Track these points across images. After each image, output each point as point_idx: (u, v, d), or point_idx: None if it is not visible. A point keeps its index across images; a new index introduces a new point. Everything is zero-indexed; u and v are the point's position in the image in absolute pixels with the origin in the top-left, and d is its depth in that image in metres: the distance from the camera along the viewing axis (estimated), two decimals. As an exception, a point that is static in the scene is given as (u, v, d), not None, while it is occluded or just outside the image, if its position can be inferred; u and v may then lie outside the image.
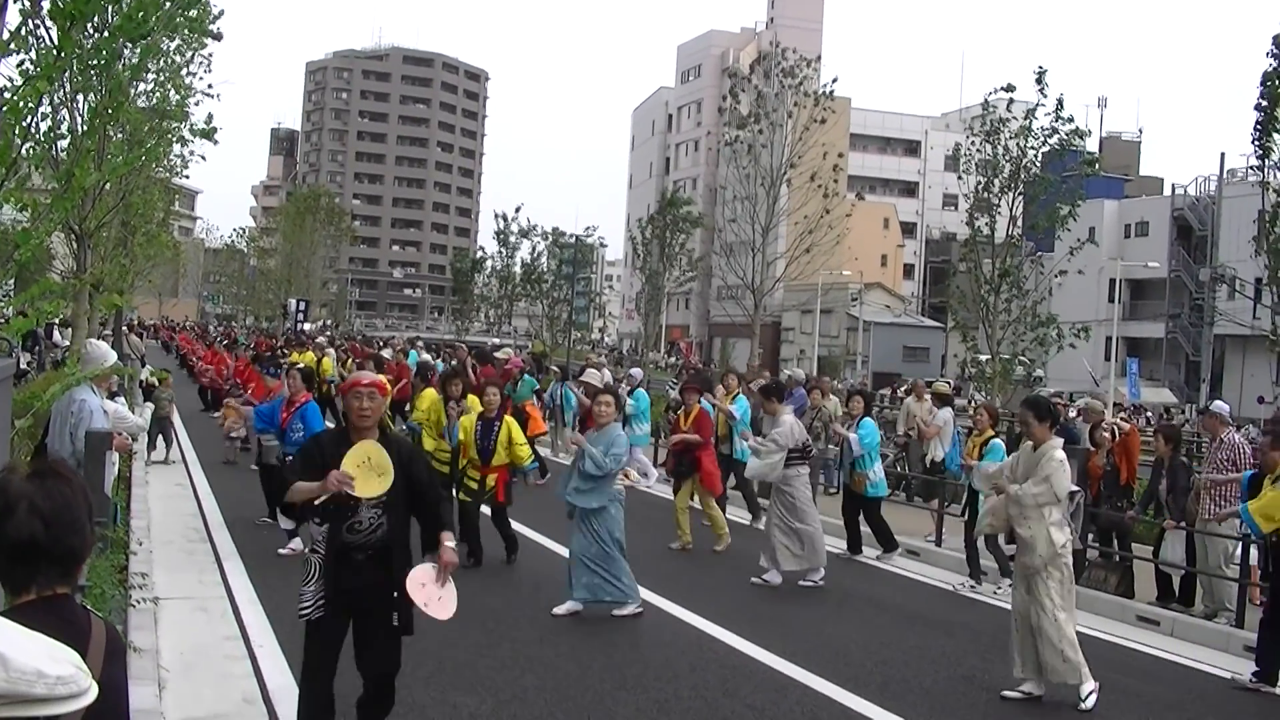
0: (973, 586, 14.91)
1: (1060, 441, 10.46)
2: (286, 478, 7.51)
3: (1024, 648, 10.07)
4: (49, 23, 7.77)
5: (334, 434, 7.67)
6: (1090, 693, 9.86)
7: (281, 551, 13.93)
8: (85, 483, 3.29)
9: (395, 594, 6.99)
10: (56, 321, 32.33)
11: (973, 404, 21.57)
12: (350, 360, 30.36)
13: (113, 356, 11.75)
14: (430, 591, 6.98)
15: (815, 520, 14.67)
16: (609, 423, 12.07)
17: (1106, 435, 16.84)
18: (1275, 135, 26.14)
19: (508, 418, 14.41)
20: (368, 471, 6.86)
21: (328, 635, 7.06)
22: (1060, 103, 30.23)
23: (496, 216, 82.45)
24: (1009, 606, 10.71)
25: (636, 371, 26.65)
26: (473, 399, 15.25)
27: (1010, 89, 31.57)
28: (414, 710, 8.50)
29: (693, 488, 16.98)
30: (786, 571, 14.44)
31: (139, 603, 10.37)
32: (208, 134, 15.47)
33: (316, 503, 6.92)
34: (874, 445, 16.92)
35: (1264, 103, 26.05)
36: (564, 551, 12.76)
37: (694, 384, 18.74)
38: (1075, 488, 10.67)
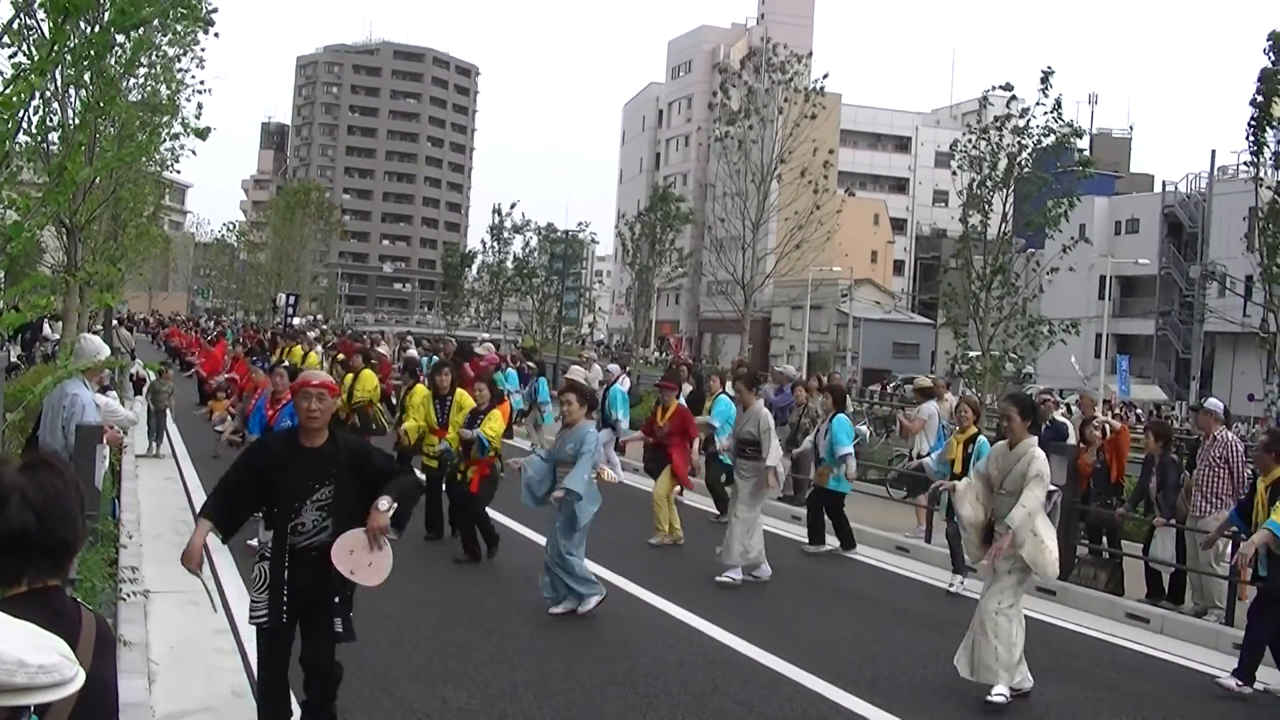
0: (962, 583, 14.83)
1: (1034, 440, 10.27)
2: (208, 502, 7.51)
3: (969, 642, 9.98)
4: (42, 16, 7.77)
5: (283, 435, 7.62)
6: (1000, 694, 9.64)
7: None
8: (77, 476, 3.29)
9: (336, 599, 6.95)
10: (47, 315, 32.32)
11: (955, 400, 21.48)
12: (336, 358, 29.30)
13: (106, 351, 11.73)
14: (359, 558, 6.82)
15: (740, 519, 14.31)
16: (577, 421, 11.99)
17: (1097, 433, 16.84)
18: (1269, 131, 26.12)
19: (460, 393, 14.67)
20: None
21: (280, 639, 7.03)
22: (1058, 103, 30.24)
23: (494, 211, 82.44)
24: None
25: (614, 366, 26.50)
26: (462, 394, 15.28)
27: (1009, 88, 31.59)
28: (402, 705, 8.51)
29: (670, 482, 16.87)
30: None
31: (129, 596, 10.38)
32: (201, 133, 15.44)
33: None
34: (847, 444, 16.86)
35: (1259, 99, 26.02)
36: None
37: (670, 381, 18.72)
38: (1053, 487, 10.57)
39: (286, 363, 19.49)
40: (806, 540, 17.16)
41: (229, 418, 22.92)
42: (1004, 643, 9.66)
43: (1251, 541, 10.87)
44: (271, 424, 14.56)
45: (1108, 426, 17.49)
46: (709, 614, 12.16)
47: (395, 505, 6.88)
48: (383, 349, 32.31)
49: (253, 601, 7.08)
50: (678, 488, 17.03)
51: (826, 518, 17.03)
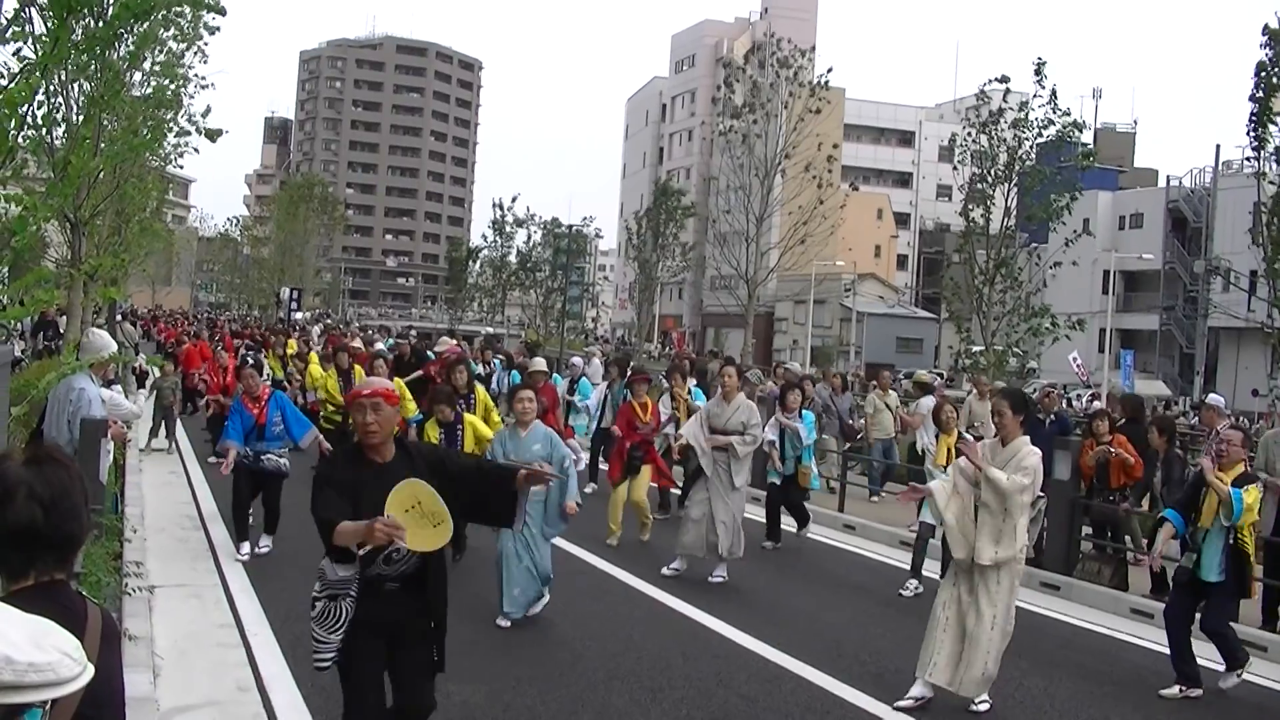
0: (917, 587, 14.39)
1: (1026, 439, 9.73)
2: (322, 518, 5.96)
3: (939, 648, 9.53)
4: (46, 9, 7.76)
5: (347, 453, 6.55)
6: (984, 701, 9.49)
7: (239, 558, 13.58)
8: (80, 469, 3.29)
9: (434, 625, 6.37)
10: (55, 312, 32.28)
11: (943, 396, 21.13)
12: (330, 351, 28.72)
13: (113, 346, 11.73)
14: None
15: (696, 509, 14.15)
16: (531, 420, 11.65)
17: (1104, 426, 16.60)
18: (1270, 126, 26.06)
19: (469, 418, 13.98)
20: (419, 519, 5.72)
21: (363, 673, 6.24)
22: (1054, 94, 30.20)
23: (494, 205, 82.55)
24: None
25: (578, 360, 26.17)
26: (481, 391, 15.15)
27: (1005, 80, 31.56)
28: (408, 699, 8.50)
29: (639, 479, 16.35)
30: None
31: (134, 590, 10.37)
32: (211, 135, 15.37)
33: (360, 551, 5.88)
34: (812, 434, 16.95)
35: (1259, 93, 25.97)
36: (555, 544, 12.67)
37: (642, 375, 18.41)
38: (1040, 494, 10.35)
39: (251, 360, 19.19)
40: (765, 538, 16.90)
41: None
42: (994, 658, 9.39)
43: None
44: (261, 424, 14.15)
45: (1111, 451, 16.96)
46: (713, 609, 12.16)
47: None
48: (356, 343, 32.42)
49: (321, 642, 6.17)
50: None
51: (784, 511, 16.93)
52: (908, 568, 14.85)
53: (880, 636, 11.77)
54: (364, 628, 6.15)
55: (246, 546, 13.47)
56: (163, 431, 22.29)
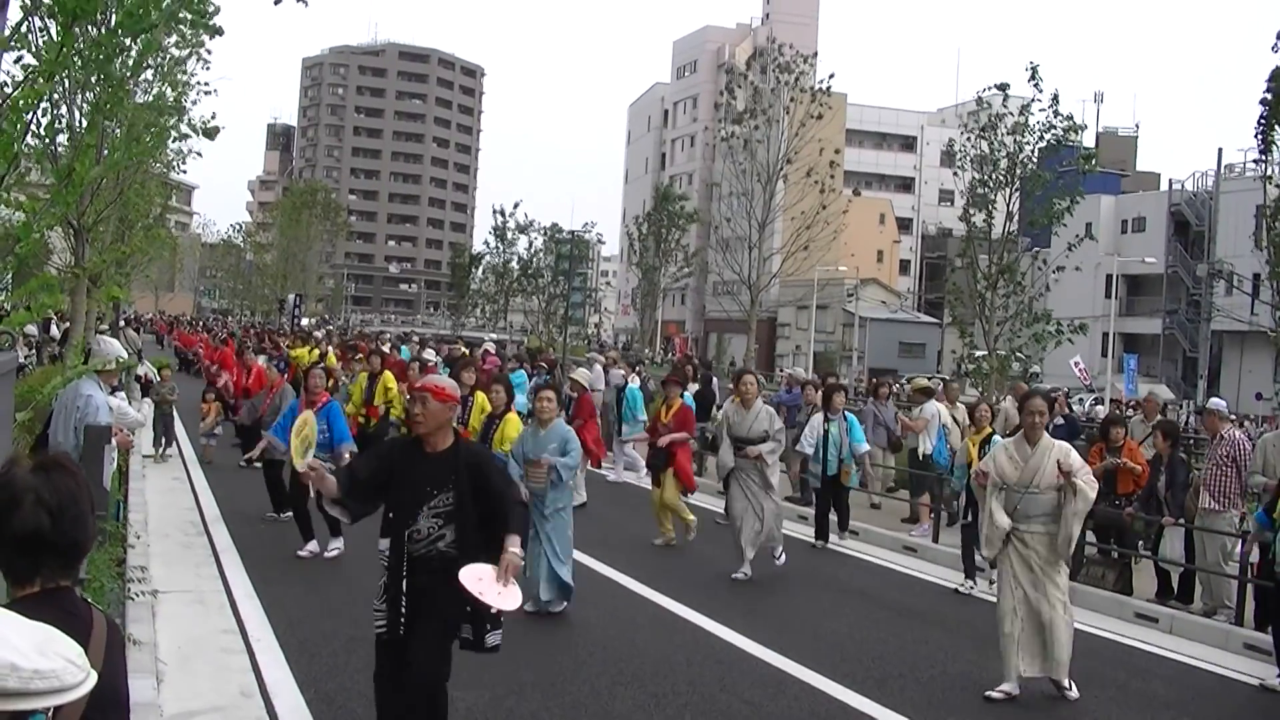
0: (972, 587, 14.69)
1: (1046, 435, 10.28)
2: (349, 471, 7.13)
3: (1030, 644, 9.89)
4: (50, 20, 7.79)
5: (408, 440, 7.31)
6: (1074, 693, 9.98)
7: (300, 553, 13.82)
8: (86, 476, 3.29)
9: (469, 609, 6.73)
10: (54, 316, 32.33)
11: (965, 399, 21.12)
12: (354, 357, 29.35)
13: (122, 353, 11.74)
14: (487, 585, 6.57)
15: (738, 514, 14.53)
16: (552, 419, 11.87)
17: (1120, 431, 16.45)
18: (1279, 129, 26.02)
19: (479, 397, 14.33)
20: (299, 441, 7.15)
21: (399, 651, 6.83)
22: (1055, 98, 30.12)
23: (495, 212, 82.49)
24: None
25: (617, 371, 26.16)
26: (481, 396, 15.22)
27: (1004, 87, 31.53)
28: (412, 705, 8.50)
29: (667, 481, 16.58)
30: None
31: (137, 596, 10.39)
32: (209, 132, 15.40)
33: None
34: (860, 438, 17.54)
35: (1269, 97, 25.93)
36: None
37: (675, 377, 18.75)
38: None
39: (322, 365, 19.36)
40: (814, 538, 17.29)
41: (219, 425, 22.82)
42: (1069, 642, 9.89)
43: None
44: None
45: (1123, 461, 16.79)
46: (716, 614, 12.16)
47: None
48: (385, 348, 32.41)
49: (374, 610, 6.94)
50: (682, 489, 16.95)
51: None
52: (912, 573, 14.89)
53: (883, 641, 11.76)
54: (410, 603, 6.77)
55: (338, 543, 13.94)
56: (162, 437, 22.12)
